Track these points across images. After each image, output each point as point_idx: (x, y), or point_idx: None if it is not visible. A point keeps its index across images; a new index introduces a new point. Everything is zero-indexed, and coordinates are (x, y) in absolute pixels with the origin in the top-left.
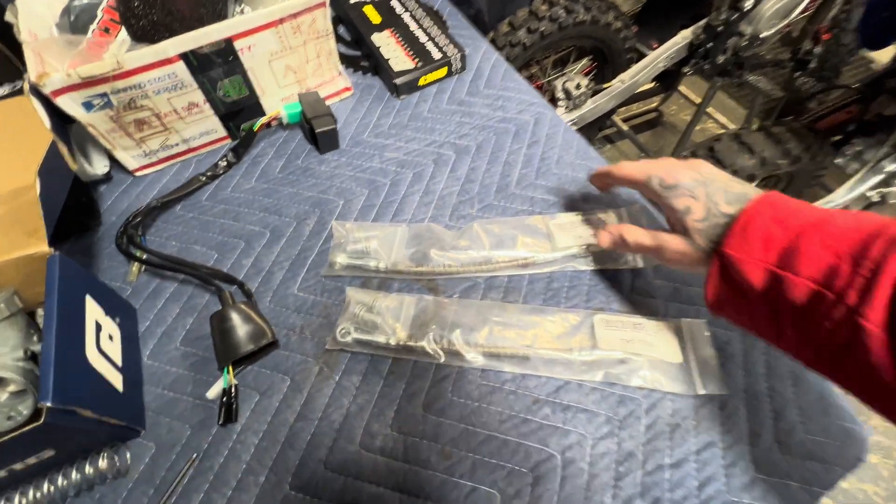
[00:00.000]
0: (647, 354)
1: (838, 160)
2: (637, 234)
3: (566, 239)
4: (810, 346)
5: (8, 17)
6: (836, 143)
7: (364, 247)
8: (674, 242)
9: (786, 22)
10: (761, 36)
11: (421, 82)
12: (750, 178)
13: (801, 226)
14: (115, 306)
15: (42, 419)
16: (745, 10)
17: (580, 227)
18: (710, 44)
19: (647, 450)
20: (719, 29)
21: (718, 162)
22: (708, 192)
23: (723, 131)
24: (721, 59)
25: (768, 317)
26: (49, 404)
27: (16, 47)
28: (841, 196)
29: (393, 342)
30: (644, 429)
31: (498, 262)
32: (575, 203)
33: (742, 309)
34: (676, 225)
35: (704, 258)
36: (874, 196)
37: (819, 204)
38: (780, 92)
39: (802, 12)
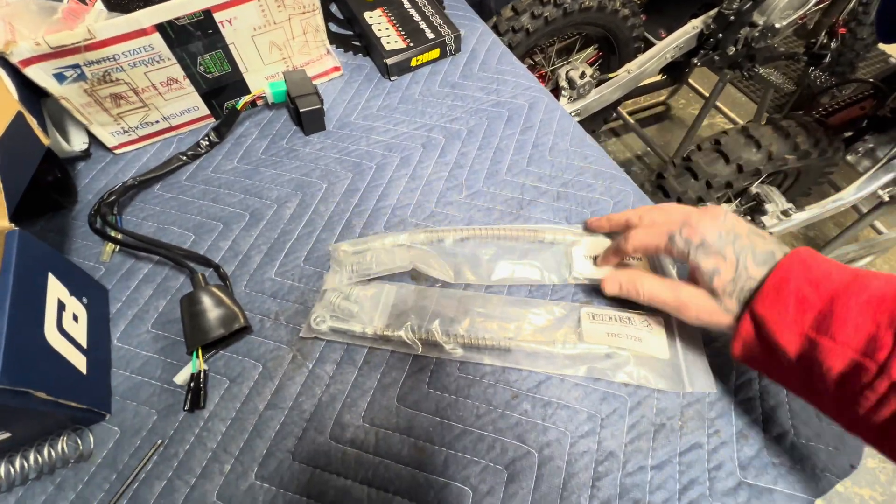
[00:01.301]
0: (634, 350)
1: (849, 157)
2: (654, 288)
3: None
4: (851, 414)
5: None
6: (847, 140)
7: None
8: (700, 301)
9: (800, 13)
10: (775, 27)
11: (413, 63)
12: (756, 173)
13: (836, 288)
14: (84, 286)
15: None
16: None
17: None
18: (721, 34)
19: (629, 450)
20: (731, 18)
21: (723, 156)
22: (736, 250)
23: (731, 126)
24: (732, 50)
25: (802, 378)
26: None
27: None
28: (851, 194)
29: (370, 331)
30: (627, 428)
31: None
32: (567, 191)
33: (772, 367)
34: (702, 283)
35: (733, 318)
36: (885, 195)
37: (828, 202)
38: (792, 86)
39: (817, 4)
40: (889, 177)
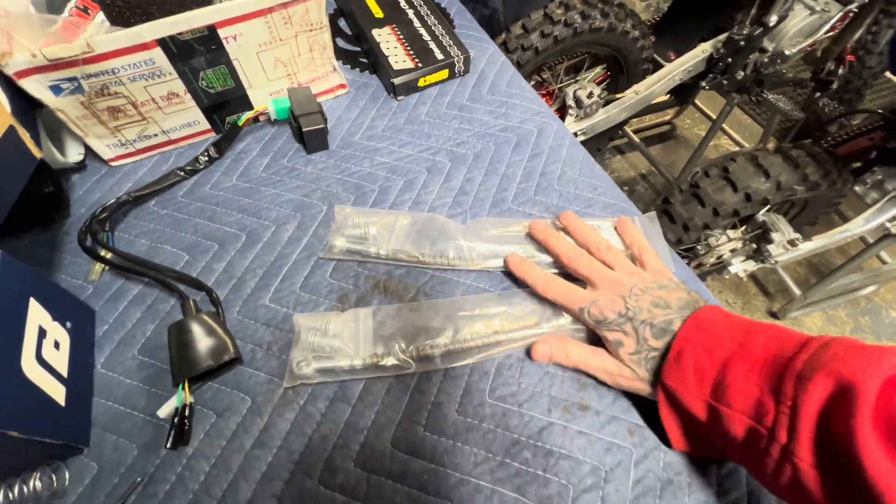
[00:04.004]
0: None
1: (857, 188)
2: (583, 356)
3: None
4: (762, 477)
5: None
6: (856, 171)
7: (363, 232)
8: (620, 369)
9: (811, 41)
10: (784, 53)
11: (420, 83)
12: (764, 203)
13: (727, 354)
14: (68, 310)
15: None
16: (770, 25)
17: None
18: (731, 59)
19: None
20: (741, 44)
21: (731, 184)
22: (635, 325)
23: (737, 149)
24: (741, 74)
25: (722, 443)
26: None
27: None
28: (858, 226)
29: (358, 363)
30: (632, 483)
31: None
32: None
33: (699, 437)
34: (613, 354)
35: (649, 385)
36: (893, 228)
37: (836, 234)
38: (799, 113)
39: (828, 32)
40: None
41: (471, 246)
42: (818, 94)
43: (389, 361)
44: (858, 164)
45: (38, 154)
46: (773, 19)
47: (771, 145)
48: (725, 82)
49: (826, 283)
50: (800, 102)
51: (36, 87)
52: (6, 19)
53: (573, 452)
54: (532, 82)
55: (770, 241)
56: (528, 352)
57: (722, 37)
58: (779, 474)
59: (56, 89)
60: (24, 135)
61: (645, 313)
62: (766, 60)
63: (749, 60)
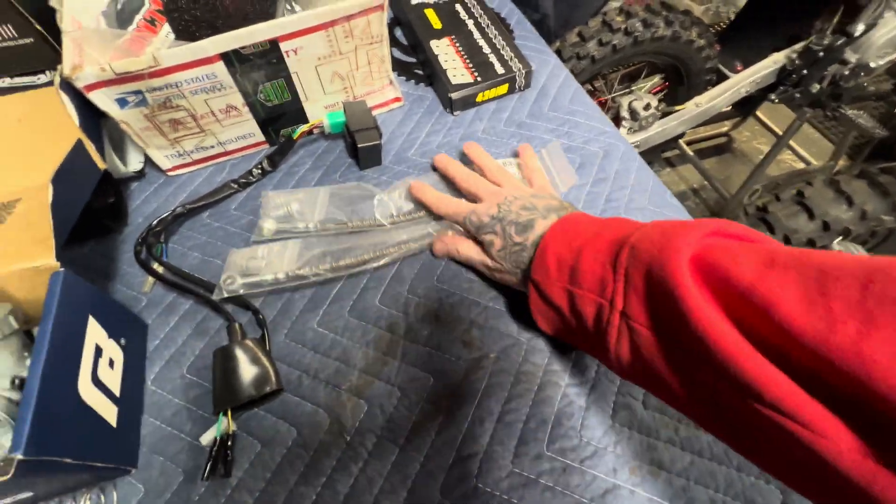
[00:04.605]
0: None
1: None
2: (469, 251)
3: None
4: (607, 356)
5: (52, 2)
6: None
7: (287, 210)
8: (495, 265)
9: None
10: (869, 66)
11: (479, 98)
12: (845, 233)
13: (581, 243)
14: (123, 325)
15: (11, 473)
16: (855, 35)
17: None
18: (806, 70)
19: None
20: (820, 55)
21: (807, 210)
22: (503, 226)
23: (802, 166)
24: (816, 88)
25: (580, 333)
26: (21, 456)
27: (57, 33)
28: None
29: (282, 276)
30: None
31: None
32: None
33: (563, 328)
34: (488, 254)
35: (521, 281)
36: None
37: None
38: (882, 130)
39: None
40: None
41: (391, 200)
42: None
43: (308, 271)
44: None
45: (102, 165)
46: (859, 28)
47: (842, 163)
48: (798, 95)
49: None
50: (883, 118)
51: (103, 99)
52: (79, 33)
53: None
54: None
55: None
56: (431, 251)
57: (798, 46)
58: (620, 347)
59: (122, 102)
60: (91, 147)
61: (513, 215)
62: (846, 73)
63: (827, 73)
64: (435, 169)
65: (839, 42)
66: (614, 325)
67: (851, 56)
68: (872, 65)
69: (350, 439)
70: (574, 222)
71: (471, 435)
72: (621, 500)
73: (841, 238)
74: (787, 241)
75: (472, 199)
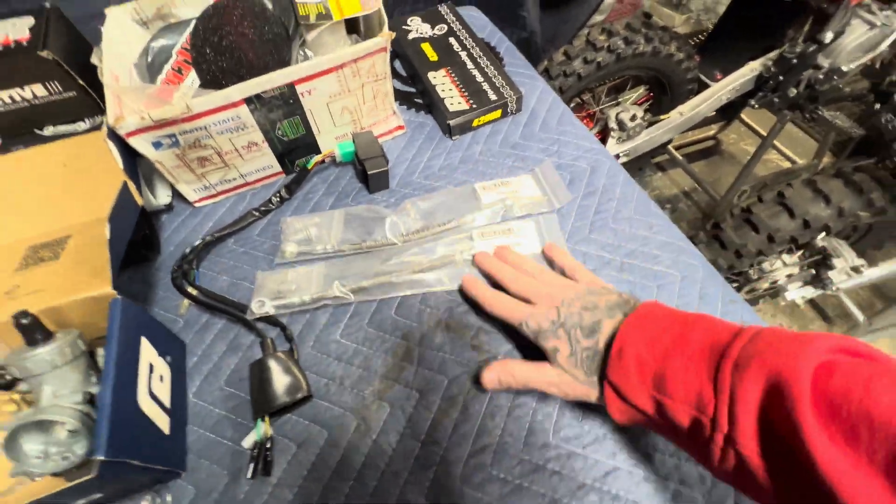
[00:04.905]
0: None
1: None
2: (527, 372)
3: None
4: (709, 464)
5: (93, 59)
6: None
7: (306, 235)
8: (562, 378)
9: (870, 56)
10: (842, 70)
11: (475, 123)
12: (825, 229)
13: (666, 347)
14: (168, 344)
15: (96, 472)
16: (825, 42)
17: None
18: (782, 76)
19: None
20: (794, 62)
21: (788, 210)
22: (567, 330)
23: (788, 165)
24: (793, 92)
25: (672, 433)
26: (102, 457)
27: (95, 85)
28: None
29: (307, 298)
30: None
31: (436, 228)
32: (632, 263)
33: (650, 425)
34: (552, 362)
35: (593, 388)
36: None
37: None
38: (859, 129)
39: (893, 45)
40: None
41: (402, 221)
42: (878, 107)
43: (331, 293)
44: None
45: (140, 201)
46: (828, 36)
47: (827, 160)
48: (777, 100)
49: (892, 308)
50: (859, 118)
51: (142, 143)
52: (117, 86)
53: (640, 499)
54: (572, 105)
55: (831, 268)
56: (478, 381)
57: (772, 55)
58: (725, 462)
59: (157, 145)
60: (132, 186)
61: (575, 318)
62: (821, 77)
63: (802, 77)
64: (475, 264)
65: (811, 49)
66: (717, 445)
67: (824, 61)
68: (844, 68)
69: (376, 437)
70: (650, 318)
71: (484, 429)
72: (621, 479)
73: (824, 234)
74: (770, 239)
75: (524, 300)
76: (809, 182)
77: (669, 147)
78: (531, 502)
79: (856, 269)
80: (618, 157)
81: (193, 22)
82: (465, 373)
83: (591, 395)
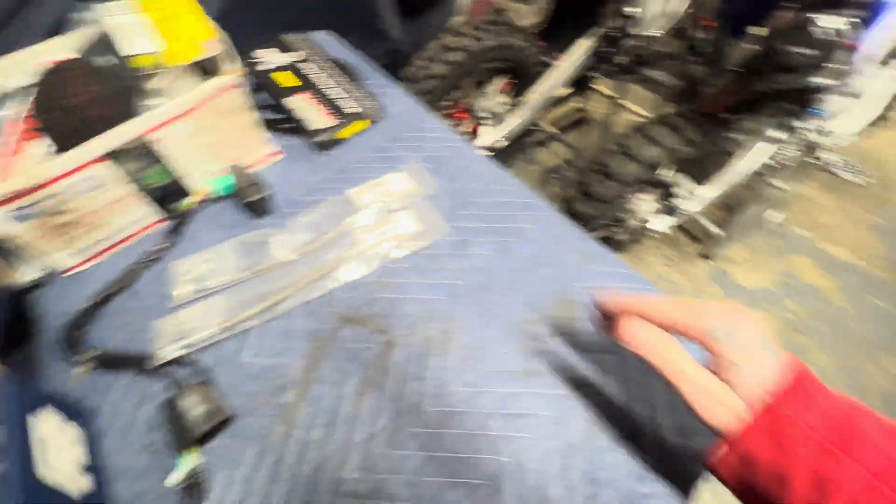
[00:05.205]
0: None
1: (733, 136)
2: (684, 366)
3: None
4: None
5: None
6: (729, 122)
7: (196, 274)
8: (721, 390)
9: (670, 23)
10: (654, 36)
11: (340, 136)
12: (659, 165)
13: (846, 410)
14: (73, 409)
15: None
16: (632, 16)
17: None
18: (612, 49)
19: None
20: (615, 36)
21: (631, 157)
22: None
23: (640, 119)
24: (623, 60)
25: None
26: None
27: None
28: (740, 166)
29: (207, 333)
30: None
31: (324, 237)
32: (491, 227)
33: (756, 474)
34: (720, 374)
35: (736, 418)
36: (771, 161)
37: (725, 176)
38: (677, 81)
39: (687, 9)
40: (768, 146)
41: (289, 239)
42: (689, 61)
43: (234, 320)
44: (730, 116)
45: (7, 279)
46: (630, 10)
47: (670, 109)
48: (613, 69)
49: (737, 218)
50: (676, 73)
51: None
52: None
53: (536, 411)
54: (447, 103)
55: (675, 196)
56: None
57: (598, 31)
58: None
59: (13, 219)
60: None
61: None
62: (640, 45)
63: (626, 47)
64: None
65: (624, 24)
66: None
67: (638, 31)
68: (655, 34)
69: (302, 435)
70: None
71: (399, 395)
72: (520, 400)
73: (662, 170)
74: (625, 183)
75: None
76: (640, 129)
77: (543, 124)
78: (447, 441)
79: (692, 193)
80: (497, 141)
81: (34, 89)
82: (375, 355)
83: (731, 423)
